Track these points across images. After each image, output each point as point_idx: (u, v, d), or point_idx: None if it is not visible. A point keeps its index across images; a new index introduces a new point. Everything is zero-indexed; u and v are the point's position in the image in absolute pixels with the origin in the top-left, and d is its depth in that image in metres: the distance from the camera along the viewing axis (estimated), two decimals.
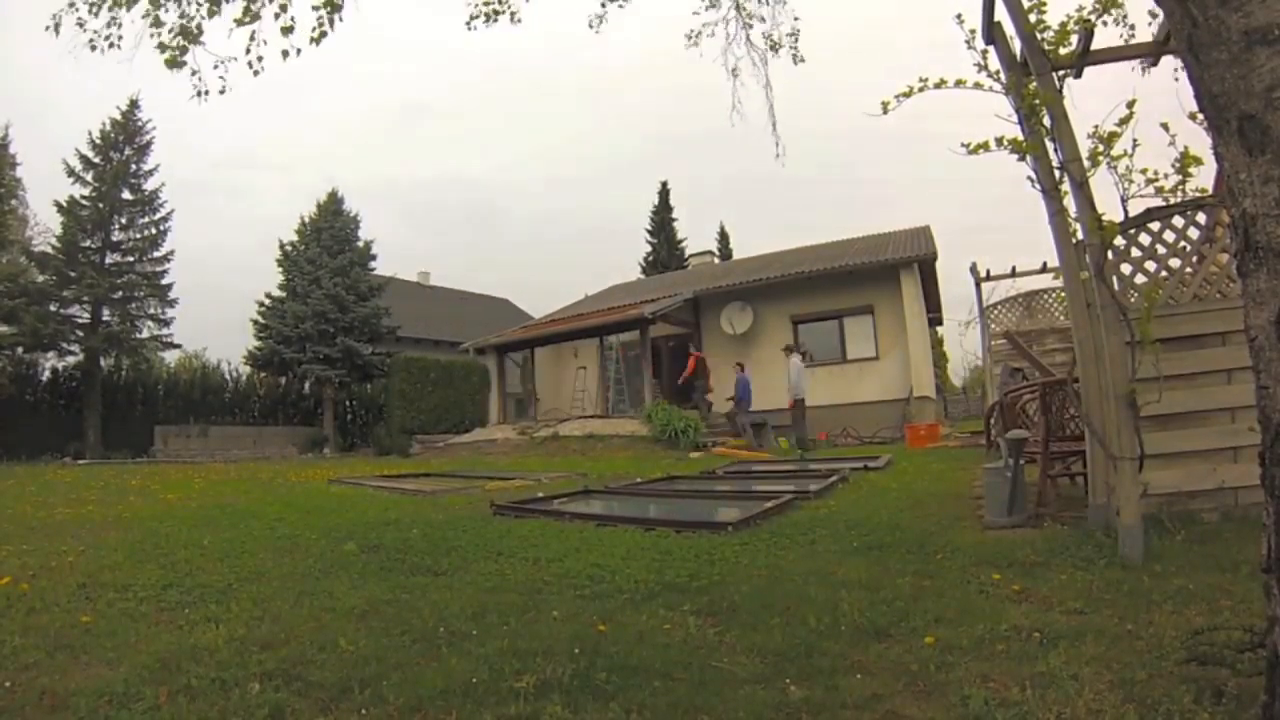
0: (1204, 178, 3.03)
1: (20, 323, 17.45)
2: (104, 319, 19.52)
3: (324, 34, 3.74)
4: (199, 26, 3.59)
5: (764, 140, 5.62)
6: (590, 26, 5.09)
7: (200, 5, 3.55)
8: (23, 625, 2.56)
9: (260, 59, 3.71)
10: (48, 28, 3.57)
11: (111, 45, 3.65)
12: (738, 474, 8.65)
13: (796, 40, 5.35)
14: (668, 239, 36.42)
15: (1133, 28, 3.70)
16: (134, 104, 20.37)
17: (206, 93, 3.82)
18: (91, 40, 3.64)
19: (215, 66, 3.71)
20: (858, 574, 3.10)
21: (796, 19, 5.34)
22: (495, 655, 2.21)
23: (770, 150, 5.77)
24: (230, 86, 3.81)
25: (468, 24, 4.59)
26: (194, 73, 3.72)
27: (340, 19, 3.72)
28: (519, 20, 4.62)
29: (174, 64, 3.60)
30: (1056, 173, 3.40)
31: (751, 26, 5.30)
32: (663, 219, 36.91)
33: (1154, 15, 3.55)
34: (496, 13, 4.56)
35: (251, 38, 3.64)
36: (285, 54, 3.66)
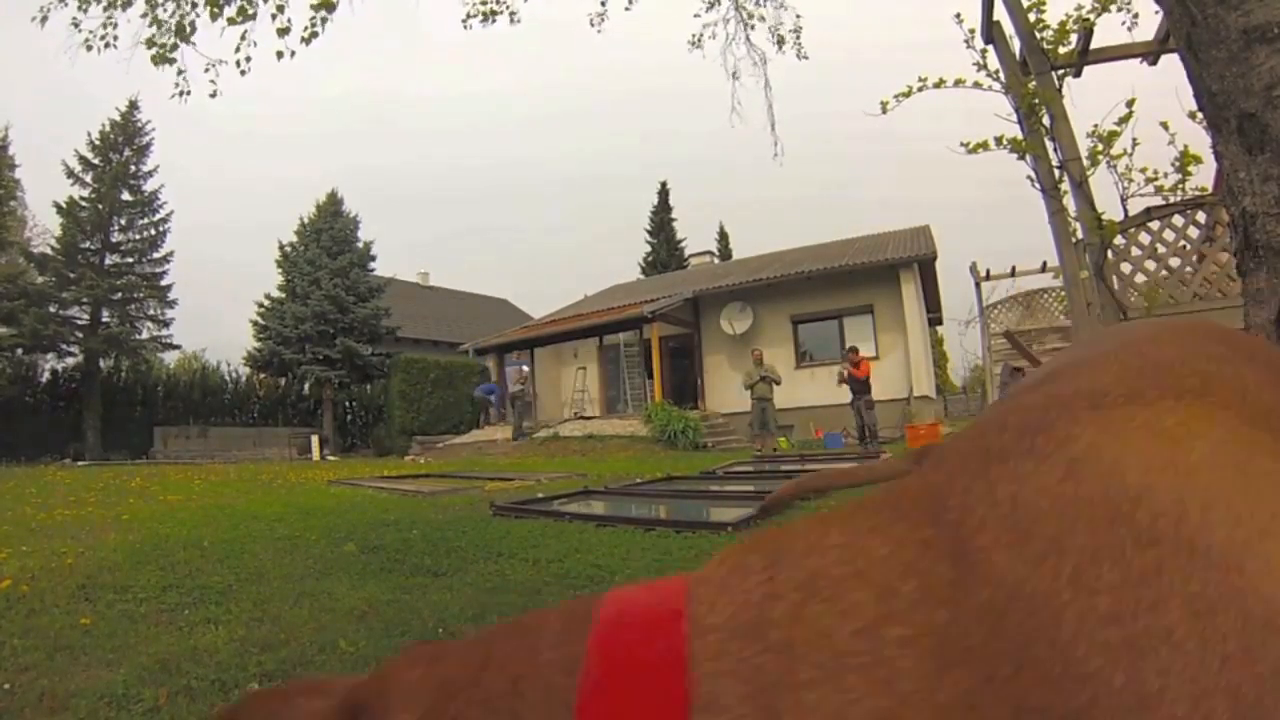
0: (1203, 177, 3.04)
1: (20, 324, 17.47)
2: (103, 320, 19.53)
3: (315, 34, 3.74)
4: (192, 24, 3.58)
5: (764, 140, 5.61)
6: (591, 25, 5.09)
7: (196, 3, 3.55)
8: (22, 627, 2.55)
9: (249, 59, 3.71)
10: (33, 19, 3.57)
11: (108, 45, 3.65)
12: (738, 474, 8.65)
13: (799, 36, 5.36)
14: (667, 239, 36.41)
15: (1135, 16, 3.69)
16: (133, 105, 20.40)
17: (189, 92, 3.82)
18: (87, 40, 3.63)
19: (206, 69, 3.71)
20: None
21: (799, 16, 5.35)
22: None
23: (771, 150, 5.76)
24: (220, 91, 3.81)
25: (463, 22, 4.59)
26: (180, 71, 3.72)
27: (331, 20, 3.72)
28: (518, 20, 4.62)
29: (161, 60, 3.60)
30: (1056, 172, 3.41)
31: (752, 28, 5.31)
32: (662, 219, 36.90)
33: (1136, 15, 3.56)
34: (494, 13, 4.56)
35: (243, 37, 3.64)
36: (279, 54, 3.66)
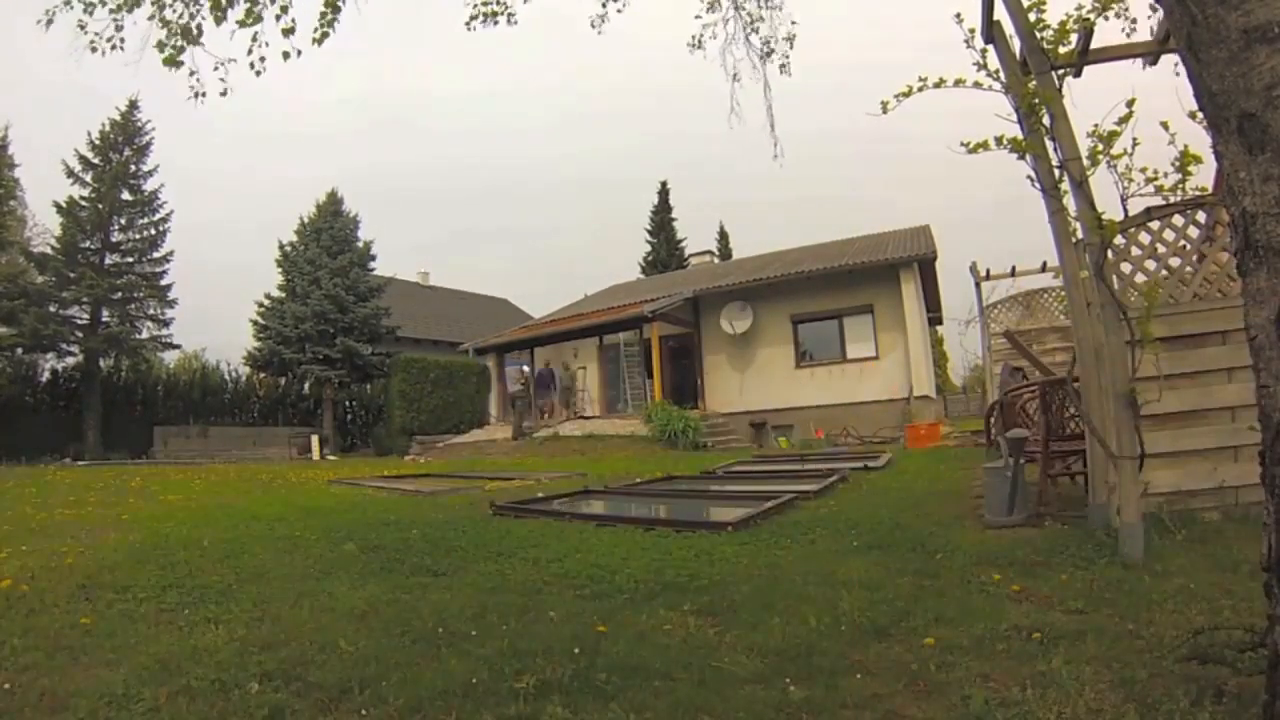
0: (1204, 176, 3.03)
1: (20, 324, 17.45)
2: (103, 320, 19.51)
3: (326, 34, 3.74)
4: (199, 27, 3.57)
5: (764, 140, 5.59)
6: (592, 26, 5.09)
7: (201, 5, 3.54)
8: (23, 627, 2.55)
9: (263, 59, 3.70)
10: (39, 21, 3.55)
11: (114, 47, 3.64)
12: (737, 474, 8.66)
13: (791, 45, 5.35)
14: (667, 239, 36.39)
15: (1134, 22, 3.69)
16: (133, 105, 20.36)
17: (204, 94, 3.81)
18: (93, 43, 3.62)
19: (215, 68, 3.70)
20: (858, 573, 3.10)
21: (794, 23, 5.33)
22: (495, 656, 2.21)
23: (770, 150, 5.73)
24: (231, 88, 3.80)
25: (467, 24, 4.60)
26: (192, 73, 3.71)
27: (339, 20, 3.72)
28: (515, 21, 4.63)
29: (171, 62, 3.59)
30: (1056, 172, 3.40)
31: (755, 30, 5.30)
32: (662, 219, 36.87)
33: (1154, 10, 3.56)
34: (495, 14, 4.57)
35: (254, 39, 3.64)
36: (286, 55, 3.65)
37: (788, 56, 5.34)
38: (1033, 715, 1.69)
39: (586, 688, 1.96)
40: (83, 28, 3.59)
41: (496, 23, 4.59)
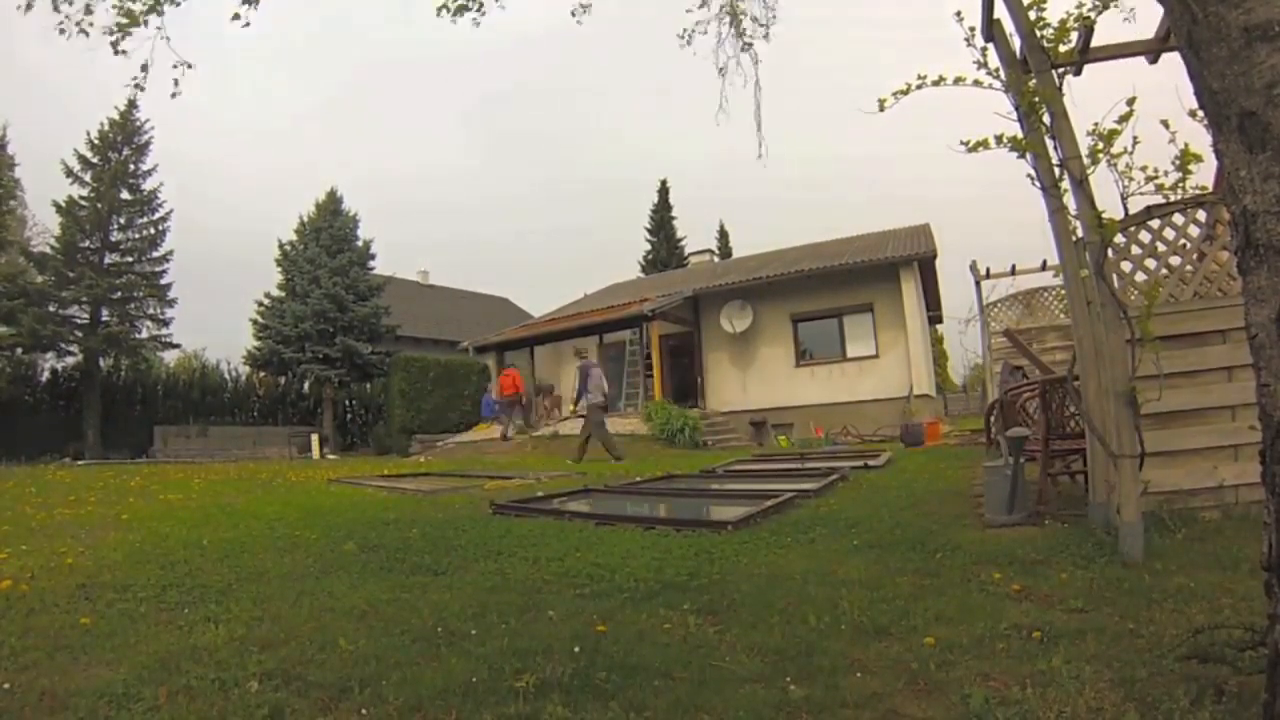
0: (1204, 175, 3.03)
1: (19, 324, 17.45)
2: (103, 319, 19.51)
3: None
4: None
5: (763, 137, 5.58)
6: (573, 15, 5.08)
7: None
8: (22, 626, 2.55)
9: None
10: (17, 7, 3.58)
11: (82, 31, 3.69)
12: (737, 473, 8.66)
13: (768, 33, 5.38)
14: (667, 238, 36.38)
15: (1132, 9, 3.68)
16: (132, 104, 20.33)
17: (143, 87, 3.91)
18: (61, 25, 3.66)
19: (175, 66, 3.77)
20: (858, 573, 3.10)
21: (773, 16, 5.36)
22: (495, 655, 2.21)
23: (769, 149, 5.73)
24: (180, 92, 3.89)
25: (437, 13, 4.60)
26: (144, 68, 3.78)
27: None
28: (483, 14, 4.64)
29: (131, 24, 3.65)
30: (1056, 170, 3.40)
31: (743, 26, 5.30)
32: (662, 218, 36.86)
33: (1136, 14, 3.55)
34: (464, 8, 4.57)
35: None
36: (236, 16, 3.71)
37: (765, 38, 5.38)
38: (1033, 714, 1.69)
39: (586, 687, 1.96)
40: (55, 7, 3.65)
41: (464, 14, 4.59)
